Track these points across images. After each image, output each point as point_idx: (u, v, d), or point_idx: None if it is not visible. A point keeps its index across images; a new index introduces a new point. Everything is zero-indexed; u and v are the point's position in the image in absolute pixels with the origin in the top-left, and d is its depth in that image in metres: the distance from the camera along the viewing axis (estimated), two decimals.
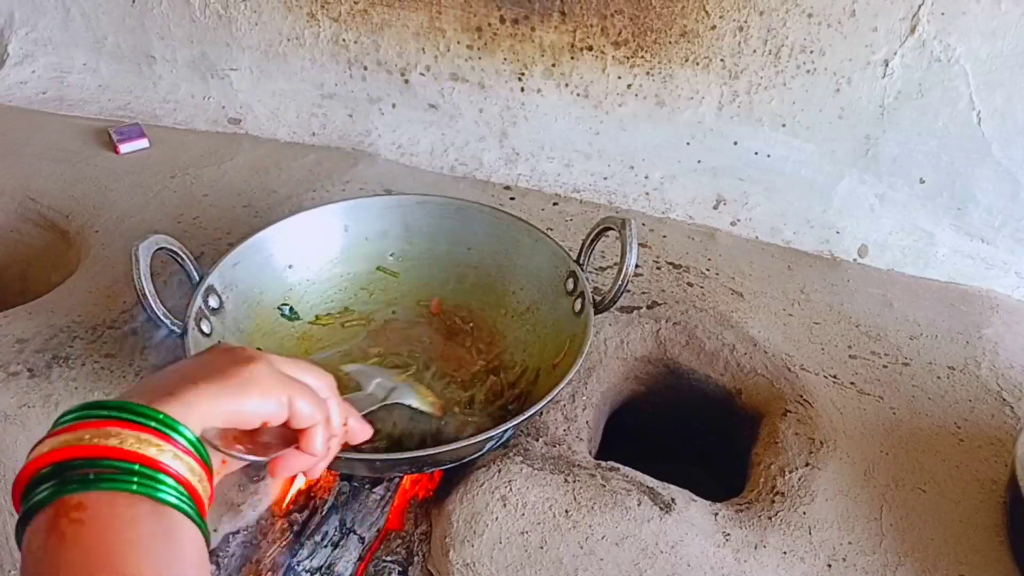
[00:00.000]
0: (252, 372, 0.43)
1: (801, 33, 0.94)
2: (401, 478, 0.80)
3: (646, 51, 1.01)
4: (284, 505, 0.88)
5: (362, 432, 0.52)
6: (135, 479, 0.35)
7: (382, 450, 0.73)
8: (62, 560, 0.33)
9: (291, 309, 0.86)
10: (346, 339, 0.87)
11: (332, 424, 0.47)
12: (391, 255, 0.92)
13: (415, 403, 0.72)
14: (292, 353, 0.84)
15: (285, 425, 0.45)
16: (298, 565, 0.75)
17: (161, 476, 0.36)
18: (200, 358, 0.45)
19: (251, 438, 0.45)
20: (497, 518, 0.69)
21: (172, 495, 0.36)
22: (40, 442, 0.37)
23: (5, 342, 0.81)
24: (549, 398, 0.68)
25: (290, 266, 0.87)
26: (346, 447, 0.51)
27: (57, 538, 0.33)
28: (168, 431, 0.38)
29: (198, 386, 0.41)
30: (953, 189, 0.99)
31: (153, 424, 0.37)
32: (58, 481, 0.35)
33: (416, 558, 0.76)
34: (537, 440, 0.76)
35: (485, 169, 1.15)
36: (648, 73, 1.03)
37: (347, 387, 0.69)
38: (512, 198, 1.11)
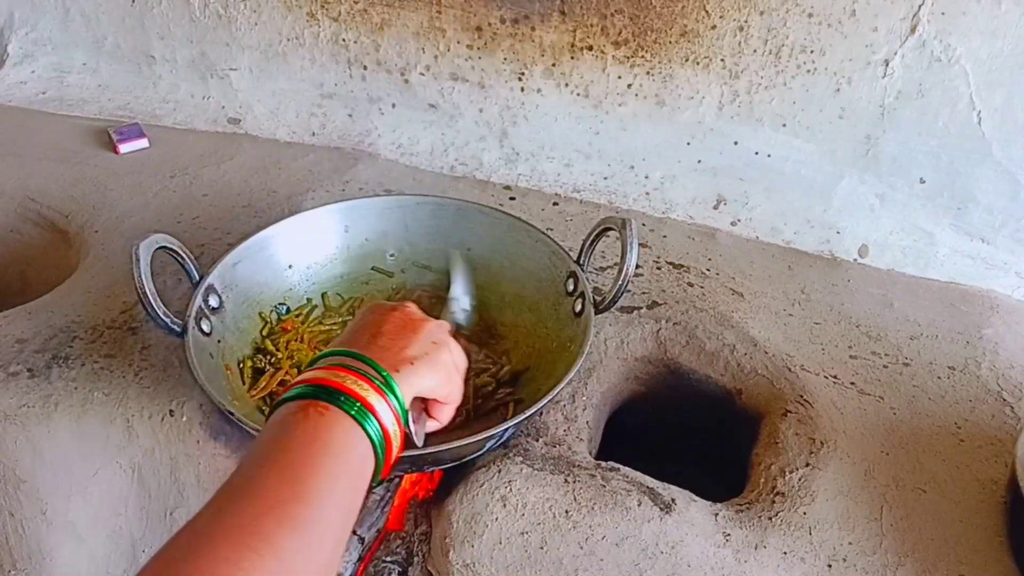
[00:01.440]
0: (445, 356, 0.57)
1: (801, 33, 0.94)
2: (401, 478, 0.80)
3: (646, 51, 1.01)
4: None
5: (449, 417, 0.62)
6: (370, 421, 0.48)
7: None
8: (299, 428, 0.46)
9: (287, 309, 0.86)
10: None
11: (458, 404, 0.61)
12: (391, 255, 0.92)
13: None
14: None
15: None
16: None
17: (378, 426, 0.49)
18: (403, 326, 0.57)
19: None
20: (497, 518, 0.69)
21: (378, 442, 0.48)
22: (310, 367, 0.51)
23: (5, 342, 0.81)
24: (549, 398, 0.68)
25: (290, 266, 0.87)
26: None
27: (303, 415, 0.46)
28: (392, 398, 0.50)
29: (416, 365, 0.54)
30: (953, 189, 0.99)
31: (386, 391, 0.50)
32: (319, 390, 0.48)
33: (416, 558, 0.76)
34: (537, 440, 0.76)
35: (485, 169, 1.15)
36: (648, 73, 1.03)
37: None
38: (512, 198, 1.11)
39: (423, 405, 0.59)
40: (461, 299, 0.83)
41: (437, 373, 0.56)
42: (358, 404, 0.48)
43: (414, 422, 0.56)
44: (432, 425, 0.60)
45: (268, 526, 0.39)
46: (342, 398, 0.48)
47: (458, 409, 0.61)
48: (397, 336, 0.56)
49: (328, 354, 0.53)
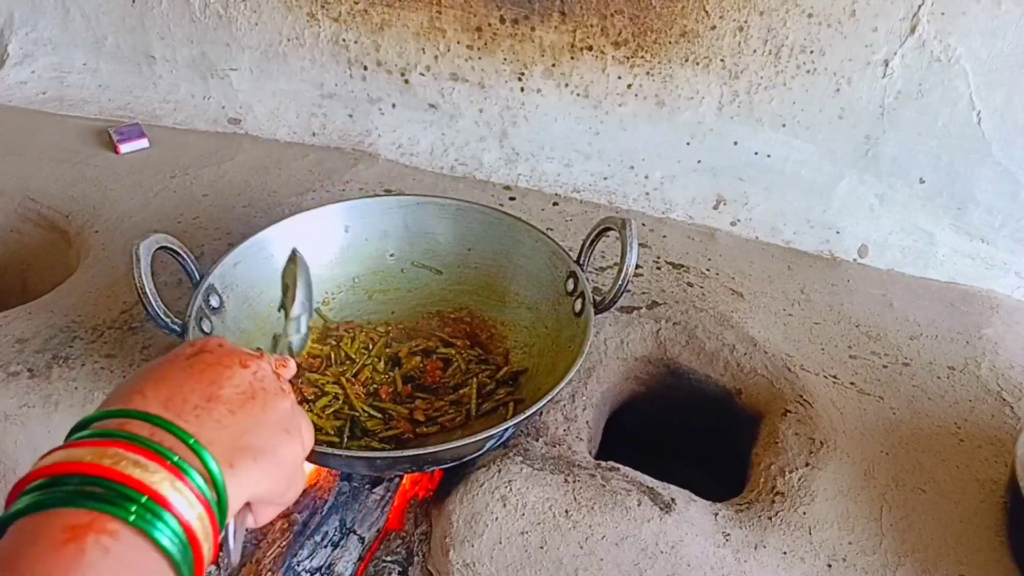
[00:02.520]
0: (296, 457, 0.42)
1: (801, 33, 0.94)
2: (401, 478, 0.80)
3: (646, 51, 1.01)
4: None
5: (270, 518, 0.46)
6: (140, 512, 0.33)
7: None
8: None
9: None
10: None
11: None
12: (391, 255, 0.92)
13: None
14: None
15: None
16: (298, 565, 0.75)
17: (164, 517, 0.33)
18: (258, 401, 0.41)
19: None
20: (497, 518, 0.69)
21: (171, 543, 0.33)
22: (70, 436, 0.35)
23: (5, 342, 0.81)
24: (549, 398, 0.68)
25: None
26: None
27: (53, 546, 0.30)
28: (216, 510, 0.36)
29: (258, 462, 0.38)
30: (953, 189, 0.99)
31: (209, 499, 0.35)
32: (74, 491, 0.32)
33: (416, 558, 0.76)
34: (537, 440, 0.76)
35: (485, 169, 1.15)
36: (648, 73, 1.03)
37: None
38: (512, 198, 1.11)
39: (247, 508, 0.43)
40: (301, 318, 0.63)
41: (280, 474, 0.40)
42: (143, 499, 0.32)
43: (234, 533, 0.41)
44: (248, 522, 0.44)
45: None
46: (150, 514, 0.32)
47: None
48: (239, 408, 0.39)
49: (105, 415, 0.35)
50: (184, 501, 0.34)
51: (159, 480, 0.33)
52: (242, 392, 0.40)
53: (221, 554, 0.40)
